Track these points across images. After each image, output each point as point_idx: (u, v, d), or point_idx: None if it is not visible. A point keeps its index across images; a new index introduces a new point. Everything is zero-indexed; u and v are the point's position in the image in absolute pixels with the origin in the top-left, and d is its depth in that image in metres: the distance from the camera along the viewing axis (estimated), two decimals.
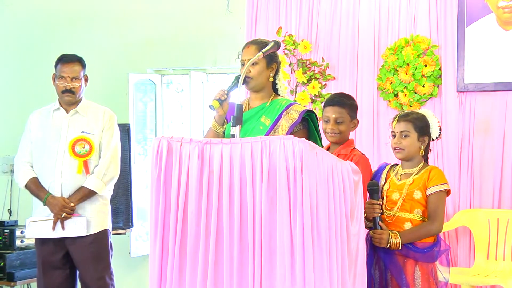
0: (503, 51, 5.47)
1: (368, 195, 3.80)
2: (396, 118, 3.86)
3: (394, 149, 3.84)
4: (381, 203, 3.79)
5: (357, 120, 3.97)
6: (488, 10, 5.51)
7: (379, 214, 3.76)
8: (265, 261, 2.93)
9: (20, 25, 7.14)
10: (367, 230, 3.85)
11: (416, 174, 3.81)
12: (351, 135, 4.03)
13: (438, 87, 5.69)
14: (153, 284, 3.10)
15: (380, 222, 3.75)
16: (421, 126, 3.82)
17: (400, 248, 3.70)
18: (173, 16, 6.72)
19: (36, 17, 7.08)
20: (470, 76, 5.56)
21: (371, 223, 3.79)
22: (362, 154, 3.88)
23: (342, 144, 3.90)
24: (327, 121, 3.90)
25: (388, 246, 3.70)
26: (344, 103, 3.92)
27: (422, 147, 3.84)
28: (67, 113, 4.68)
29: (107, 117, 4.73)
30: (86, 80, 4.74)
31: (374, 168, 4.08)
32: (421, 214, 3.76)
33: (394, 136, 3.84)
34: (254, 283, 2.93)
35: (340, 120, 3.88)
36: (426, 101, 5.70)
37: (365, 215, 3.78)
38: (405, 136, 3.80)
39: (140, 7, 6.84)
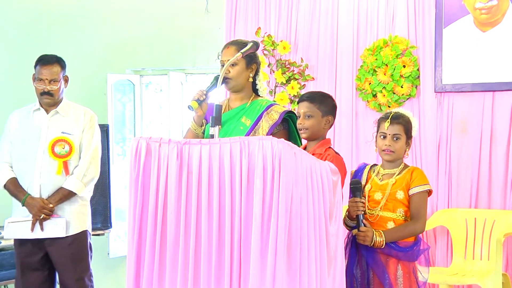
0: (480, 52, 5.51)
1: (350, 193, 3.82)
2: (388, 120, 3.83)
3: (384, 150, 3.84)
4: (364, 201, 3.81)
5: (331, 117, 3.82)
6: (465, 11, 5.55)
7: (362, 212, 3.78)
8: (243, 262, 2.93)
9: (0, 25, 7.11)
10: (348, 231, 3.87)
11: (398, 174, 3.84)
12: (330, 135, 3.99)
13: (416, 87, 5.72)
14: (130, 285, 3.09)
15: (363, 220, 3.77)
16: (409, 129, 3.86)
17: (383, 246, 3.72)
18: (152, 16, 6.72)
19: (16, 18, 7.03)
20: (448, 77, 5.59)
21: (354, 222, 3.81)
22: (337, 154, 3.77)
23: (317, 143, 3.80)
24: (298, 117, 3.81)
25: (372, 244, 3.73)
26: (314, 98, 3.81)
27: (407, 149, 3.87)
28: (47, 113, 4.65)
29: (87, 117, 4.70)
30: (66, 80, 4.71)
31: (353, 168, 4.10)
32: (403, 213, 3.79)
33: (384, 137, 3.84)
34: (232, 283, 2.93)
35: (309, 114, 3.77)
36: (404, 101, 5.73)
37: (348, 213, 3.81)
38: (397, 139, 3.82)
39: (119, 8, 6.82)
